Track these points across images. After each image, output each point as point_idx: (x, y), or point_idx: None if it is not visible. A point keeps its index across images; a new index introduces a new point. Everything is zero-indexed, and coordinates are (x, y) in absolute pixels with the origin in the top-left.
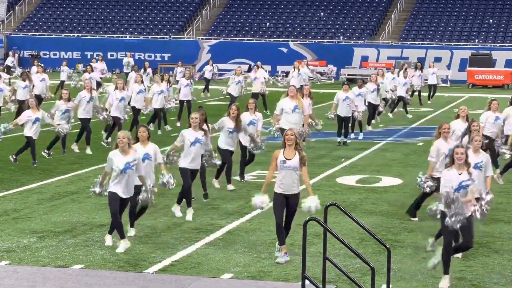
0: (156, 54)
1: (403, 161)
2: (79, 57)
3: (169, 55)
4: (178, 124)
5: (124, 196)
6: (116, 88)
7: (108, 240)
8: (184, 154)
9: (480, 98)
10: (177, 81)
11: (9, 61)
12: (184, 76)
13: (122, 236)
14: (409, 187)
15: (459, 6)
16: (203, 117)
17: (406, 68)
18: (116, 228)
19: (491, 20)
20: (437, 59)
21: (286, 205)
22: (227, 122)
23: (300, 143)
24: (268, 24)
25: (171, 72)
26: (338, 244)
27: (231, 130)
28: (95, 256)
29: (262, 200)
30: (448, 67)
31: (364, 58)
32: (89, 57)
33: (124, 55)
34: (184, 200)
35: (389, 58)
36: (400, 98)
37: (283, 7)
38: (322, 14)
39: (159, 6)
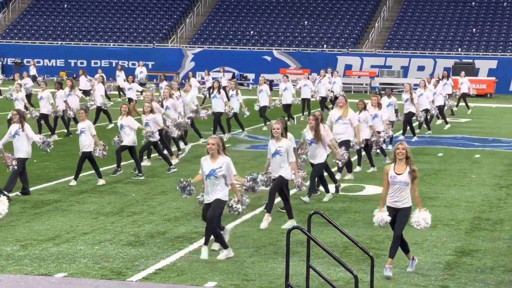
0: (139, 62)
1: None
2: (63, 65)
3: (153, 63)
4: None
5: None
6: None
7: (204, 252)
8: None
9: (463, 106)
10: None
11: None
12: (230, 88)
13: (225, 246)
14: None
15: (442, 15)
16: (283, 125)
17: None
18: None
19: (474, 29)
20: (421, 68)
21: (396, 217)
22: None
23: (410, 156)
24: (252, 32)
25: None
26: (321, 253)
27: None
28: (79, 264)
29: (382, 217)
30: (431, 75)
31: (348, 67)
32: (72, 65)
33: (108, 63)
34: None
35: (372, 66)
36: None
37: (267, 16)
38: (305, 22)
39: (143, 14)
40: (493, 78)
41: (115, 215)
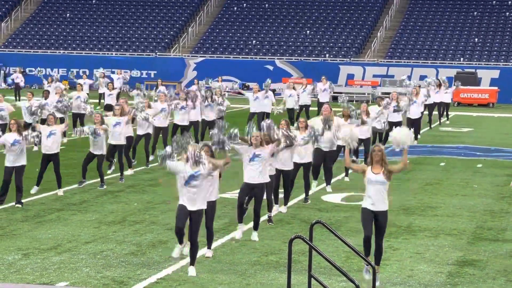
0: (142, 71)
1: None
2: (65, 74)
3: (155, 72)
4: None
5: (191, 209)
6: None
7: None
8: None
9: (465, 116)
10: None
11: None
12: (215, 94)
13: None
14: (393, 205)
15: (445, 25)
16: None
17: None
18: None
19: (476, 39)
20: (423, 78)
21: (375, 223)
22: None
23: (385, 158)
24: (254, 41)
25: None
26: (323, 262)
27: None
28: (80, 273)
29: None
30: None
31: (350, 76)
32: (75, 73)
33: (111, 72)
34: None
35: (374, 76)
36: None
37: (269, 25)
38: (308, 32)
39: (145, 23)
40: (495, 88)
41: (117, 224)
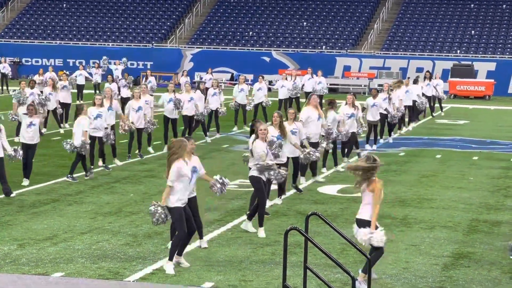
0: (138, 62)
1: (384, 171)
2: (62, 65)
3: (152, 63)
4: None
5: (188, 197)
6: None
7: (169, 268)
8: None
9: (461, 108)
10: (206, 89)
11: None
12: (212, 85)
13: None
14: (389, 197)
15: (441, 17)
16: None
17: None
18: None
19: (472, 31)
20: (419, 70)
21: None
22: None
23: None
24: (250, 33)
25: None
26: (319, 254)
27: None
28: (76, 264)
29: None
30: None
31: (347, 68)
32: (71, 64)
33: (108, 62)
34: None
35: (371, 68)
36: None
37: (266, 16)
38: (304, 23)
39: (142, 14)
40: (492, 80)
41: (113, 215)
